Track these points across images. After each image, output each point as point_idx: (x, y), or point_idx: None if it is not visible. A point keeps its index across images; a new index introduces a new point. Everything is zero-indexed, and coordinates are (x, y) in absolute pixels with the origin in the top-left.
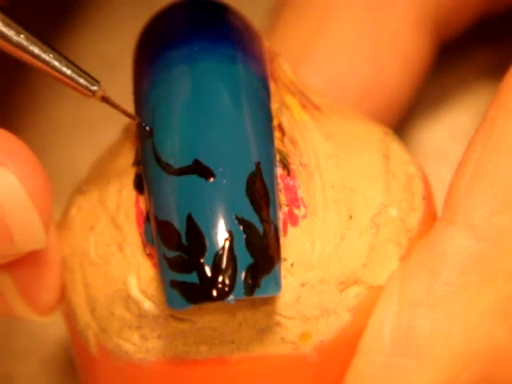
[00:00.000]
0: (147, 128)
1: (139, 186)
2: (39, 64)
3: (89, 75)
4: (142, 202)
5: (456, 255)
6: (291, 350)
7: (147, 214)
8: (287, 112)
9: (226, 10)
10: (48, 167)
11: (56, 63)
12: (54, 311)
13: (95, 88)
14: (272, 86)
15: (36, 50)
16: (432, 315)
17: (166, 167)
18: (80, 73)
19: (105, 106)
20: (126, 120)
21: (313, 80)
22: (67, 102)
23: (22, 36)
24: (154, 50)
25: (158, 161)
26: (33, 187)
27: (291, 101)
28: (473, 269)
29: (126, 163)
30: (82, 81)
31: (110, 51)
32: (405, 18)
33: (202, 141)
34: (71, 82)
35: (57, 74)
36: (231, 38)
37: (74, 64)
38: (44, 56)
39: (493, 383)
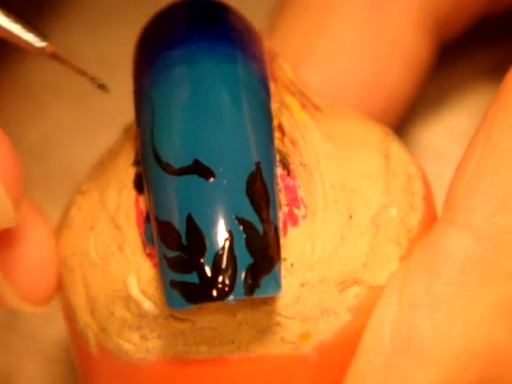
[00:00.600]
0: (99, 83)
1: (139, 186)
2: None
3: (37, 31)
4: (142, 202)
5: (456, 255)
6: (291, 350)
7: (147, 214)
8: (287, 112)
9: (225, 10)
10: (48, 167)
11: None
12: (48, 301)
13: (43, 44)
14: (272, 86)
15: None
16: (432, 315)
17: (166, 167)
18: (28, 28)
19: (104, 106)
20: (125, 120)
21: (313, 80)
22: (67, 103)
23: None
24: (154, 49)
25: (158, 161)
26: (1, 164)
27: (291, 101)
28: (473, 269)
29: (126, 163)
30: (28, 36)
31: (111, 51)
32: (405, 18)
33: (202, 141)
34: (17, 39)
35: (2, 32)
36: (231, 38)
37: (20, 20)
38: None
39: (493, 383)
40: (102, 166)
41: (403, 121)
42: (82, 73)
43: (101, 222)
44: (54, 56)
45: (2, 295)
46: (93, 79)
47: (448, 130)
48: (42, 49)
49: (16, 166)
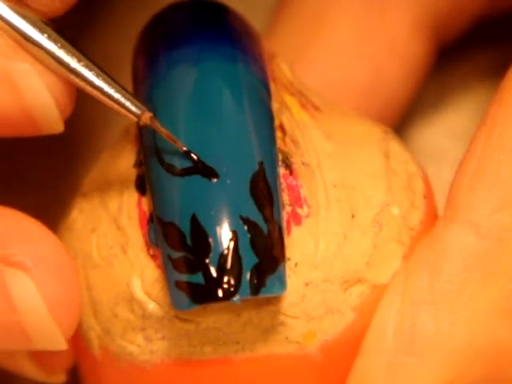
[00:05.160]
0: (194, 157)
1: (141, 187)
2: (87, 86)
3: (136, 99)
4: (145, 203)
5: (458, 253)
6: (296, 349)
7: (150, 215)
8: (287, 112)
9: (225, 10)
10: (48, 169)
11: (106, 88)
12: (65, 372)
13: (139, 112)
14: (271, 86)
15: (90, 76)
16: (435, 313)
17: (169, 168)
18: (128, 96)
19: (104, 107)
20: (125, 121)
21: (311, 81)
22: None
23: (81, 63)
24: (155, 50)
25: (161, 162)
26: (54, 296)
27: (291, 101)
28: (475, 266)
29: (127, 164)
30: (128, 105)
31: (112, 52)
32: (403, 21)
33: (204, 141)
34: (117, 106)
35: (104, 98)
36: (231, 39)
37: (122, 88)
38: (97, 81)
39: (497, 381)
40: (102, 168)
41: (403, 121)
42: (175, 142)
43: (103, 223)
44: (150, 124)
45: (21, 364)
46: (185, 151)
47: (448, 130)
48: (138, 116)
49: (73, 295)
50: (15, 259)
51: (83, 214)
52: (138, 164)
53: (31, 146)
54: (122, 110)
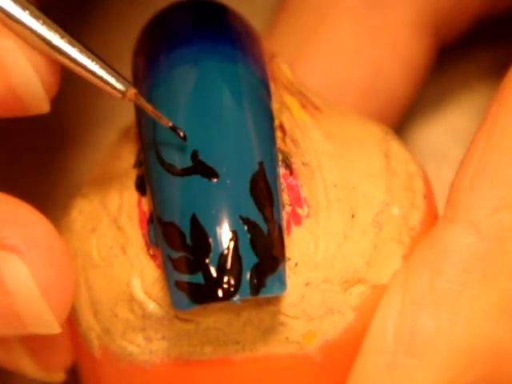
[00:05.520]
0: (180, 133)
1: (141, 187)
2: (70, 63)
3: (119, 75)
4: (145, 203)
5: (458, 253)
6: (296, 349)
7: (150, 216)
8: (287, 112)
9: (225, 10)
10: (47, 169)
11: (90, 64)
12: (64, 370)
13: (124, 88)
14: (271, 86)
15: (73, 52)
16: (435, 313)
17: (169, 168)
18: (112, 73)
19: (104, 106)
20: (125, 120)
21: (311, 81)
22: (66, 103)
23: (64, 39)
24: (155, 50)
25: (161, 162)
26: (46, 279)
27: (291, 101)
28: (475, 266)
29: (127, 165)
30: (112, 81)
31: (112, 52)
32: (403, 21)
33: (204, 141)
34: (101, 83)
35: (88, 75)
36: (231, 39)
37: (106, 64)
38: (81, 57)
39: (497, 381)
40: (102, 168)
41: (403, 121)
42: (161, 118)
43: (103, 224)
44: (134, 100)
45: (20, 363)
46: (171, 127)
47: (448, 130)
48: (122, 92)
49: (66, 278)
50: (7, 242)
51: (83, 214)
52: (138, 164)
53: (30, 145)
54: (107, 87)
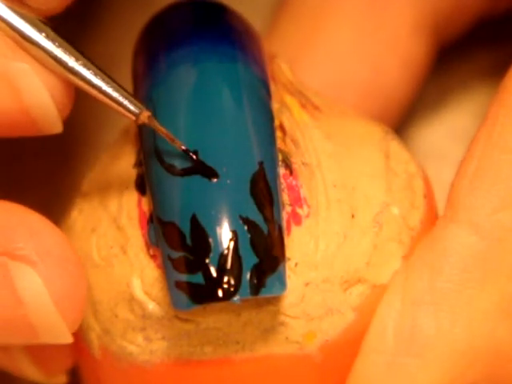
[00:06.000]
0: (194, 156)
1: (141, 187)
2: (85, 85)
3: (134, 98)
4: (145, 203)
5: (458, 253)
6: (296, 349)
7: (150, 216)
8: (287, 112)
9: (225, 10)
10: (47, 169)
11: (104, 87)
12: (64, 373)
13: (138, 111)
14: (271, 86)
15: (88, 75)
16: (435, 313)
17: (169, 168)
18: (126, 95)
19: (104, 106)
20: (125, 121)
21: (311, 81)
22: None
23: (79, 62)
24: (155, 50)
25: (161, 161)
26: (59, 289)
27: (291, 101)
28: (475, 266)
29: (127, 164)
30: (126, 103)
31: (112, 52)
32: (403, 19)
33: (204, 141)
34: (115, 105)
35: (102, 96)
36: (231, 39)
37: (120, 86)
38: (94, 80)
39: (497, 381)
40: (102, 168)
41: (403, 121)
42: (174, 141)
43: (103, 223)
44: (148, 122)
45: (21, 366)
46: (184, 150)
47: (448, 130)
48: (136, 114)
49: (78, 289)
50: (21, 253)
51: (83, 214)
52: (138, 164)
53: (31, 146)
54: (121, 109)
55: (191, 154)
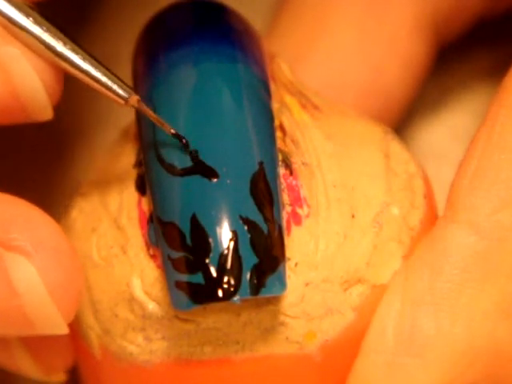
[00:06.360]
0: (183, 140)
1: (141, 187)
2: (74, 70)
3: (123, 82)
4: (145, 203)
5: (458, 253)
6: (296, 349)
7: (150, 216)
8: (287, 112)
9: (225, 10)
10: (46, 168)
11: (93, 71)
12: (63, 371)
13: (127, 95)
14: (271, 86)
15: (76, 59)
16: (435, 313)
17: (169, 168)
18: (115, 79)
19: (104, 106)
20: (125, 121)
21: (311, 81)
22: (66, 103)
23: (67, 46)
24: (155, 50)
25: (161, 162)
26: (54, 280)
27: (291, 101)
28: (475, 266)
29: (127, 165)
30: (115, 87)
31: (112, 52)
32: (403, 20)
33: (205, 141)
34: (104, 89)
35: (91, 81)
36: (232, 39)
37: (109, 70)
38: (83, 64)
39: (497, 381)
40: (102, 168)
41: (403, 121)
42: (163, 125)
43: (103, 223)
44: (137, 106)
45: (20, 364)
46: (174, 134)
47: (448, 130)
48: (125, 99)
49: (73, 279)
50: (15, 244)
51: (83, 214)
52: (138, 164)
53: (30, 145)
54: (110, 94)
55: (182, 138)
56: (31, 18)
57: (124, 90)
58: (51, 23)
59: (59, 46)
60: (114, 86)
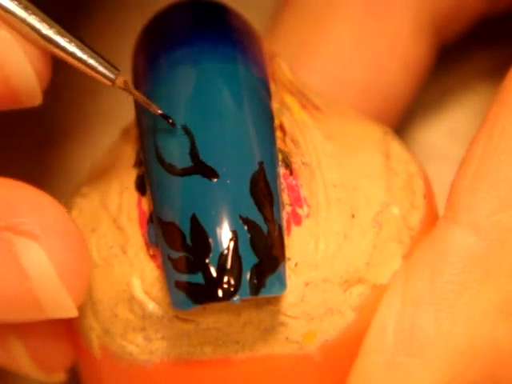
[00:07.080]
0: (170, 120)
1: (141, 187)
2: (60, 53)
3: (109, 63)
4: (145, 203)
5: (458, 253)
6: (296, 349)
7: (150, 216)
8: (287, 112)
9: (226, 10)
10: (46, 168)
11: (79, 53)
12: (63, 370)
13: (113, 76)
14: (272, 86)
15: (62, 41)
16: (435, 313)
17: (169, 168)
18: (101, 61)
19: (104, 106)
20: (125, 120)
21: (311, 81)
22: (66, 102)
23: (53, 29)
24: (155, 50)
25: (161, 161)
26: (63, 262)
27: (291, 101)
28: (475, 267)
29: (126, 164)
30: (102, 69)
31: (112, 51)
32: (403, 20)
33: (205, 141)
34: (91, 71)
35: (77, 63)
36: (232, 39)
37: (95, 52)
38: (69, 46)
39: (496, 381)
40: (101, 168)
41: (403, 121)
42: (150, 106)
43: (103, 223)
44: (124, 87)
45: (20, 364)
46: (161, 115)
47: (448, 130)
48: (112, 80)
49: (81, 261)
50: (24, 228)
51: (83, 214)
52: (138, 164)
53: (30, 144)
54: (97, 75)
55: (169, 119)
56: (16, 2)
57: (110, 71)
58: (36, 7)
59: (44, 29)
60: (100, 68)
